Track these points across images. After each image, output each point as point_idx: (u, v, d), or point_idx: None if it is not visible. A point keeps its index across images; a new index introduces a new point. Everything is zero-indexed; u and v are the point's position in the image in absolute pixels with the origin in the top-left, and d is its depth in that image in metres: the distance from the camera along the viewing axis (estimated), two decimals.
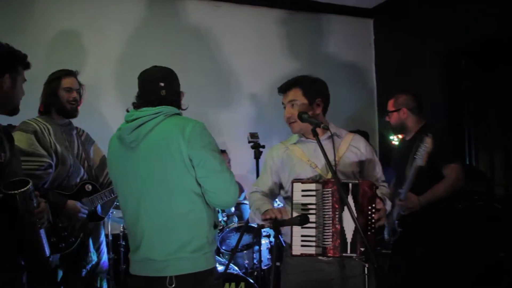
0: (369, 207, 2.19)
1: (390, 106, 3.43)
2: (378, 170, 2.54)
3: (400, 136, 4.58)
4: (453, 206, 3.24)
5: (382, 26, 5.44)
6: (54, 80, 2.95)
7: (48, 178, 2.79)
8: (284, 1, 5.04)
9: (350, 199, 2.21)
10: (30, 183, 1.96)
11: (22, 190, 1.92)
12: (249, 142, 3.30)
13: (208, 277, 2.06)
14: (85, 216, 2.89)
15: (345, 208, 2.17)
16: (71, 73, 3.01)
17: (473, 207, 3.84)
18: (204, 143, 2.06)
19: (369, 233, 2.17)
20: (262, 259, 3.63)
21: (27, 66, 2.30)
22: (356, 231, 2.17)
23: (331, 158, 2.24)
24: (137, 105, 2.16)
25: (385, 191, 2.49)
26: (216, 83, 4.77)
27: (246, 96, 4.88)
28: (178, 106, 2.25)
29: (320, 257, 2.26)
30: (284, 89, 2.47)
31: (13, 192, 1.91)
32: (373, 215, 2.19)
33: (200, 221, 2.06)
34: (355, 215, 2.11)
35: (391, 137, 4.81)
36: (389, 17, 5.31)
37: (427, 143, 2.78)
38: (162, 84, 2.17)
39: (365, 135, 4.87)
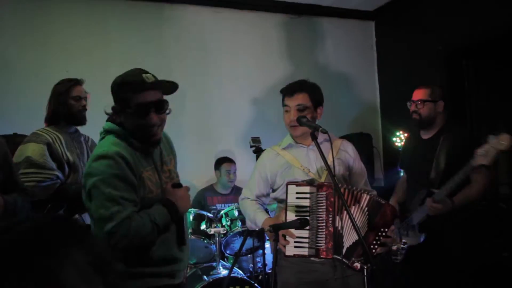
0: (382, 229, 2.23)
1: (424, 95, 3.09)
2: (364, 171, 2.60)
3: (404, 136, 4.59)
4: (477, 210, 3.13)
5: (383, 28, 5.45)
6: (63, 90, 3.01)
7: (55, 187, 2.85)
8: (284, 5, 5.05)
9: (360, 211, 2.24)
10: None
11: None
12: (251, 146, 3.31)
13: None
14: None
15: (344, 213, 2.21)
16: (78, 82, 3.07)
17: (476, 207, 3.83)
18: (90, 173, 1.90)
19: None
20: (266, 262, 3.65)
21: None
22: (356, 242, 2.21)
23: (327, 162, 2.26)
24: None
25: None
26: (217, 88, 4.81)
27: (248, 100, 4.91)
28: (118, 121, 2.04)
29: (313, 258, 2.29)
30: (291, 91, 2.48)
31: None
32: (381, 238, 2.22)
33: None
34: (357, 223, 2.14)
35: (394, 139, 4.82)
36: (390, 19, 5.32)
37: (505, 141, 2.41)
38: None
39: (368, 137, 4.90)
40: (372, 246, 2.22)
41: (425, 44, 4.78)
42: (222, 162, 4.36)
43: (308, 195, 2.25)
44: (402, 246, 3.04)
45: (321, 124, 2.46)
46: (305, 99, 2.45)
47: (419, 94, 3.13)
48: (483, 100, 4.68)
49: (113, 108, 2.02)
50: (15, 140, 3.37)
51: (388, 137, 5.09)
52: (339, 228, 2.23)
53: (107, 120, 2.06)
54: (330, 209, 2.23)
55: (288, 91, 2.50)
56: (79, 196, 2.85)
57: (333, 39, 5.34)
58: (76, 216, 2.92)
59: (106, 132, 2.02)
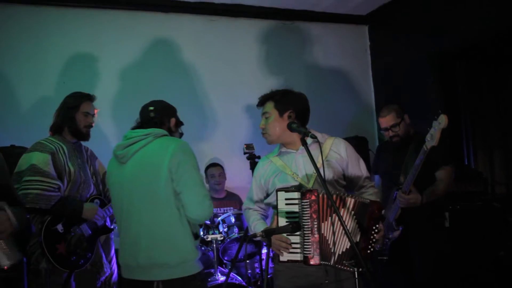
0: (374, 228, 2.24)
1: (392, 119, 3.36)
2: (363, 169, 2.56)
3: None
4: (446, 206, 3.28)
5: (377, 32, 5.48)
6: (74, 105, 3.07)
7: (56, 199, 2.89)
8: (278, 12, 5.08)
9: (347, 214, 2.26)
10: None
11: None
12: (245, 153, 3.32)
13: (192, 281, 2.30)
14: (99, 220, 3.04)
15: (336, 219, 2.22)
16: (90, 98, 3.13)
17: (471, 207, 3.86)
18: (184, 159, 2.30)
19: (368, 251, 2.23)
20: (264, 268, 3.67)
21: None
22: (350, 248, 2.20)
23: (316, 166, 2.27)
24: (133, 128, 2.48)
25: (374, 192, 2.54)
26: (213, 95, 4.83)
27: (243, 107, 4.92)
28: (168, 128, 2.51)
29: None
30: (260, 103, 2.59)
31: None
32: (375, 235, 2.24)
33: (179, 231, 2.29)
34: (347, 228, 2.15)
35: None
36: (383, 23, 5.35)
37: (442, 120, 2.64)
38: (151, 108, 2.51)
39: (363, 140, 4.92)
40: (369, 247, 2.23)
41: (419, 47, 4.80)
42: (207, 168, 4.58)
43: (296, 201, 2.27)
44: (386, 240, 3.13)
45: (317, 127, 2.51)
46: (269, 108, 2.52)
47: (388, 121, 3.38)
48: (476, 101, 4.72)
49: (177, 122, 2.60)
50: (12, 152, 3.40)
51: (383, 140, 5.10)
52: (325, 234, 2.24)
53: (155, 127, 2.43)
54: (314, 216, 2.24)
55: (258, 103, 2.61)
56: (78, 208, 2.92)
57: (328, 44, 5.36)
58: (75, 227, 2.96)
59: (156, 135, 2.37)
